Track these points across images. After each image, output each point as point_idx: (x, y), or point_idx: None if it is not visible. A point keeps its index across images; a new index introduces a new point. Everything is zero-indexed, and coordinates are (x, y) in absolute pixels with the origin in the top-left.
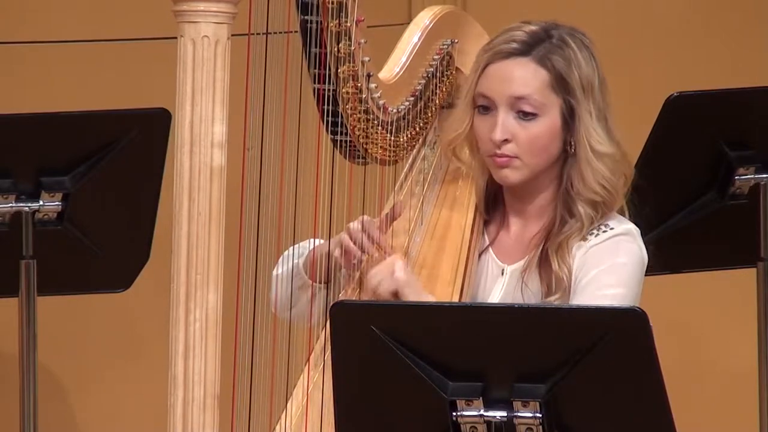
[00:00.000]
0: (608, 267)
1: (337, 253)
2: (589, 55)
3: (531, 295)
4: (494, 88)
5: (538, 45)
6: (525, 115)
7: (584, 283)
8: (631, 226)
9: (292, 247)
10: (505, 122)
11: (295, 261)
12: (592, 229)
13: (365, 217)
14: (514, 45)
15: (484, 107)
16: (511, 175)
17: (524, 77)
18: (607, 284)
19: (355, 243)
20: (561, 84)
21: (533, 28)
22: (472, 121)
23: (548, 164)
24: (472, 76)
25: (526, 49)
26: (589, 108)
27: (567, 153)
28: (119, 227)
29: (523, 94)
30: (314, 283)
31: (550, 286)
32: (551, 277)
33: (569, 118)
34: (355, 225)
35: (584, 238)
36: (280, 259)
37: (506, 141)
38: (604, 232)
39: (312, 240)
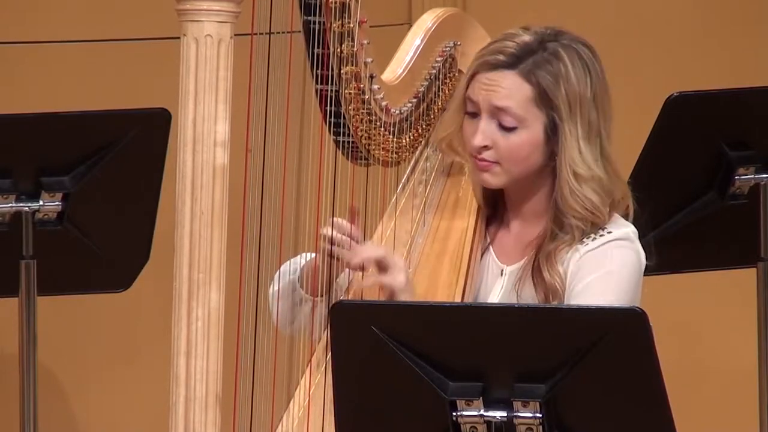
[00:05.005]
0: (601, 275)
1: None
2: (584, 69)
3: (526, 302)
4: (479, 95)
5: (527, 58)
6: (505, 126)
7: (577, 291)
8: (629, 230)
9: (287, 263)
10: (486, 129)
11: (291, 277)
12: (589, 233)
13: (336, 219)
14: (501, 57)
15: (472, 113)
16: (490, 180)
17: (507, 90)
18: (599, 293)
19: (341, 246)
20: (545, 100)
21: (526, 39)
22: (461, 122)
23: (530, 172)
24: (463, 78)
25: (513, 61)
26: (576, 126)
27: (555, 162)
28: (119, 227)
29: (504, 105)
30: (314, 298)
31: (546, 295)
32: (545, 285)
33: (553, 134)
34: (331, 231)
35: (580, 242)
36: (276, 276)
37: (486, 147)
38: (601, 236)
39: (304, 255)
